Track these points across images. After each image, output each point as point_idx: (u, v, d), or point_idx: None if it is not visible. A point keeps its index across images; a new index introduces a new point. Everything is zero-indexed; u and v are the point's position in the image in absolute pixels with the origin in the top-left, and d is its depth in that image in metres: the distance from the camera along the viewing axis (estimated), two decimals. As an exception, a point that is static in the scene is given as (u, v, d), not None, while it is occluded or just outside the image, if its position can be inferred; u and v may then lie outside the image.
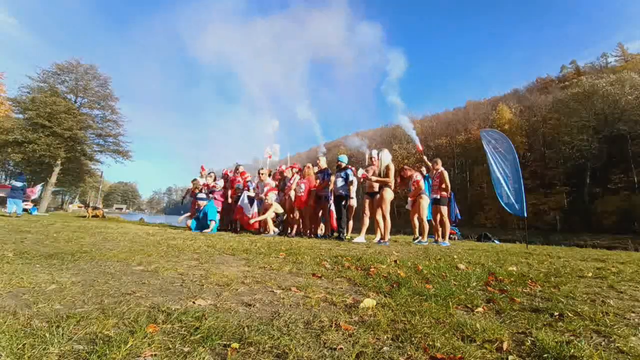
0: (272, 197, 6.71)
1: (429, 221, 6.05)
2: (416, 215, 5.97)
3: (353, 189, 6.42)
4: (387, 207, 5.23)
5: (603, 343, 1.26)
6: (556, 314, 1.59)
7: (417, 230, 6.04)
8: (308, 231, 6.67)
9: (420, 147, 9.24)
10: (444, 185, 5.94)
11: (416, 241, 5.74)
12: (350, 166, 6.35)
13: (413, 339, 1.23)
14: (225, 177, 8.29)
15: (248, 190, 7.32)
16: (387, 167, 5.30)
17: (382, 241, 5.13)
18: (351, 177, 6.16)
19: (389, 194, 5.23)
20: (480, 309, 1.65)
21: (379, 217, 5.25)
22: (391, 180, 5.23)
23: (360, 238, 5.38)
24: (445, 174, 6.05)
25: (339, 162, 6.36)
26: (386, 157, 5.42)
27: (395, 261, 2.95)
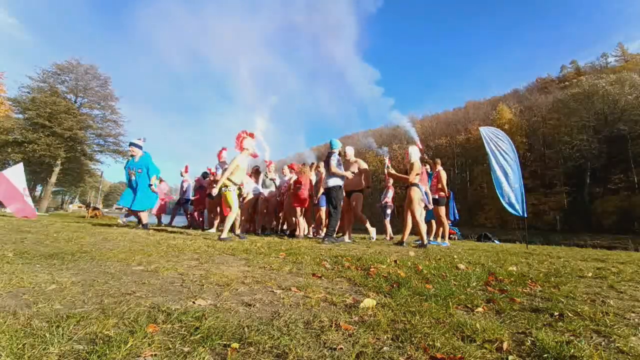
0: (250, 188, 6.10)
1: (428, 222, 6.05)
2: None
3: None
4: (415, 207, 4.83)
5: (603, 343, 1.26)
6: (556, 314, 1.59)
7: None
8: (303, 232, 6.20)
9: (420, 146, 9.22)
10: (440, 186, 5.95)
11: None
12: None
13: (413, 339, 1.22)
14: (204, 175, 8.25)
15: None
16: (412, 164, 4.95)
17: (429, 242, 4.99)
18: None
19: (415, 194, 4.86)
20: (480, 309, 1.65)
21: (409, 218, 4.96)
22: (412, 178, 4.90)
23: (346, 238, 5.34)
24: (443, 174, 6.06)
25: (332, 149, 5.22)
26: (415, 153, 5.10)
27: (395, 261, 2.96)
